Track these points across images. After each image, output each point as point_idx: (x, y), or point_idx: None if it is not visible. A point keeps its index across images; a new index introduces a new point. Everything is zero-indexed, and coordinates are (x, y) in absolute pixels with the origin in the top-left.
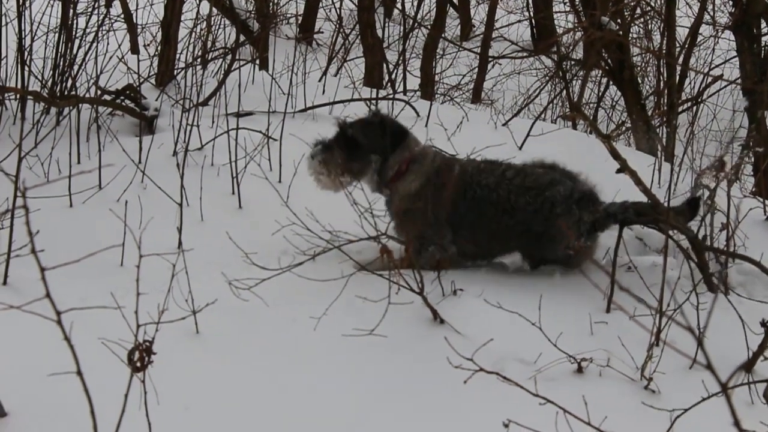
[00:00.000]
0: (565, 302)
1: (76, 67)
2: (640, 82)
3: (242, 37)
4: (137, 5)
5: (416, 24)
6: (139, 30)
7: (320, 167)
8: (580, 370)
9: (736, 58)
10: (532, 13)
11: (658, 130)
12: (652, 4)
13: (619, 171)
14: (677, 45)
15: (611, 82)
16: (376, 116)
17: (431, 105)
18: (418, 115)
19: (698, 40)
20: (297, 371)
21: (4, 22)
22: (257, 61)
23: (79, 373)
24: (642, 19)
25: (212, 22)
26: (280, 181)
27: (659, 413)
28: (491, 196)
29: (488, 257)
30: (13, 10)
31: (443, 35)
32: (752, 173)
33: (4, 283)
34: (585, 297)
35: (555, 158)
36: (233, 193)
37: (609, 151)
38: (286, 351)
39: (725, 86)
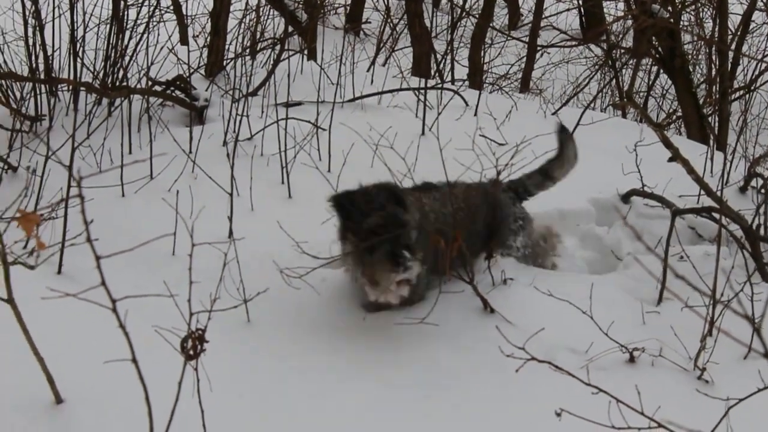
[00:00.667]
0: (617, 292)
1: (127, 59)
2: (691, 70)
3: (290, 28)
4: None
5: (464, 13)
6: (188, 21)
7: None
8: (632, 359)
9: None
10: (581, 2)
11: (710, 119)
12: None
13: (671, 159)
14: (729, 32)
15: (662, 71)
16: (380, 186)
17: (480, 94)
18: (467, 105)
19: (751, 27)
20: (348, 360)
21: (56, 15)
22: (306, 52)
23: (134, 360)
24: (693, 6)
25: (261, 13)
26: (329, 171)
27: (713, 403)
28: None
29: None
30: (65, 3)
31: (491, 24)
32: None
33: (59, 272)
34: (637, 286)
35: (606, 147)
36: (283, 182)
37: (661, 140)
38: (337, 340)
39: None
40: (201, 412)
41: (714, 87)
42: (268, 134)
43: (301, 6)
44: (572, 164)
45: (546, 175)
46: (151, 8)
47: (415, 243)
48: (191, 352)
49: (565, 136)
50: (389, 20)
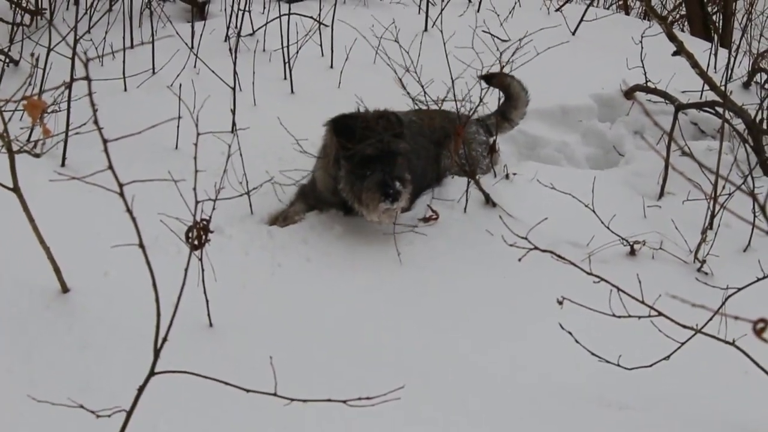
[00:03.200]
0: (618, 186)
1: None
2: None
3: None
4: None
5: None
6: None
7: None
8: (632, 252)
9: None
10: None
11: (714, 16)
12: None
13: (675, 53)
14: None
15: None
16: (385, 115)
17: None
18: (470, 1)
19: None
20: (349, 245)
21: None
22: None
23: (141, 245)
24: None
25: None
26: (331, 67)
27: (713, 294)
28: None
29: None
30: None
31: None
32: None
33: (63, 164)
34: (638, 181)
35: (609, 44)
36: (285, 78)
37: (666, 34)
38: (338, 230)
39: None
40: (206, 302)
41: None
42: (270, 30)
43: None
44: (525, 101)
45: (504, 117)
46: None
47: (407, 173)
48: (196, 242)
49: (499, 77)
50: None
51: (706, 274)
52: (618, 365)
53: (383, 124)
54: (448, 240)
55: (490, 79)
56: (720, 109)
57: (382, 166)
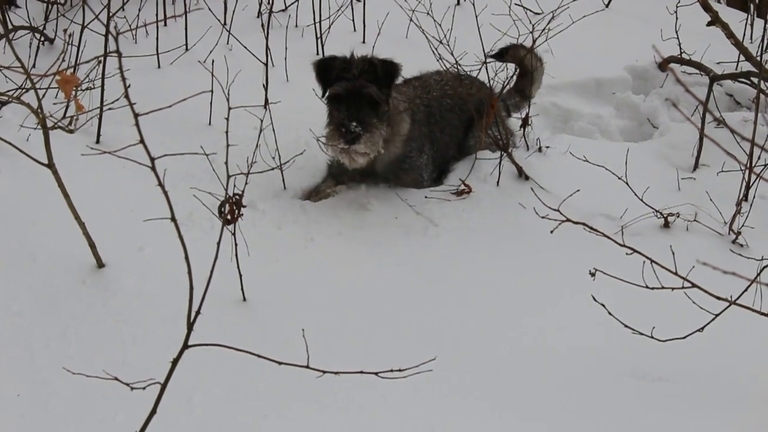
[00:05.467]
0: (652, 159)
1: None
2: None
3: None
4: None
5: None
6: None
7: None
8: (666, 225)
9: None
10: None
11: None
12: None
13: (710, 24)
14: None
15: None
16: (368, 59)
17: None
18: None
19: None
20: (381, 219)
21: None
22: None
23: (173, 219)
24: None
25: None
26: (363, 42)
27: (748, 265)
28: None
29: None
30: None
31: None
32: None
33: (98, 141)
34: (672, 153)
35: (643, 15)
36: (318, 53)
37: (700, 4)
38: (370, 205)
39: None
40: (239, 276)
41: None
42: (302, 5)
43: None
44: (541, 72)
45: (522, 95)
46: None
47: (378, 116)
48: (229, 217)
49: (517, 53)
50: None
51: (741, 245)
52: (652, 337)
53: (361, 67)
54: (480, 213)
55: (502, 55)
56: (756, 80)
57: (348, 106)
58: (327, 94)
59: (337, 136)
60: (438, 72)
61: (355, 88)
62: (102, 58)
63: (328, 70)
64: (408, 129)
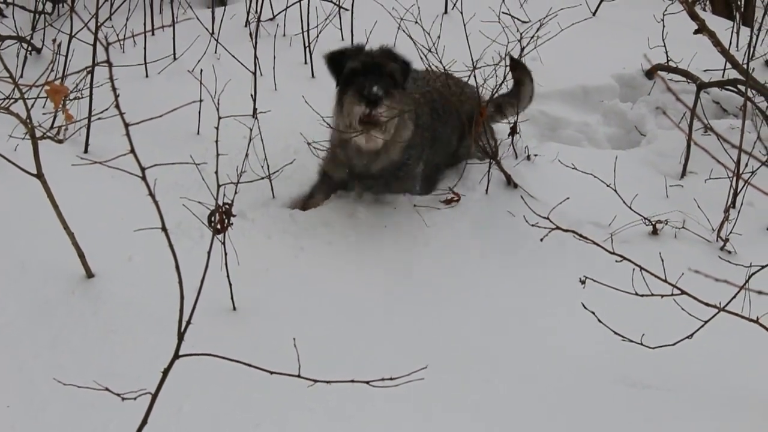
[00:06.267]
0: (640, 166)
1: None
2: None
3: None
4: None
5: None
6: None
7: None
8: (655, 232)
9: None
10: None
11: None
12: None
13: (696, 32)
14: None
15: None
16: (388, 48)
17: None
18: None
19: None
20: (371, 228)
21: None
22: None
23: (164, 228)
24: None
25: None
26: None
27: (736, 272)
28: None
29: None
30: None
31: None
32: None
33: (86, 150)
34: (660, 161)
35: (630, 23)
36: (306, 62)
37: (687, 11)
38: (360, 213)
39: None
40: (229, 285)
41: None
42: (290, 14)
43: None
44: (525, 106)
45: (498, 109)
46: None
47: (392, 90)
48: (218, 226)
49: (521, 72)
50: None
51: (729, 252)
52: (641, 344)
53: (379, 51)
54: (470, 221)
55: (515, 65)
56: (742, 88)
57: (364, 77)
58: (343, 73)
59: (357, 99)
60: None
61: (374, 62)
62: (91, 69)
63: (343, 56)
64: (409, 136)
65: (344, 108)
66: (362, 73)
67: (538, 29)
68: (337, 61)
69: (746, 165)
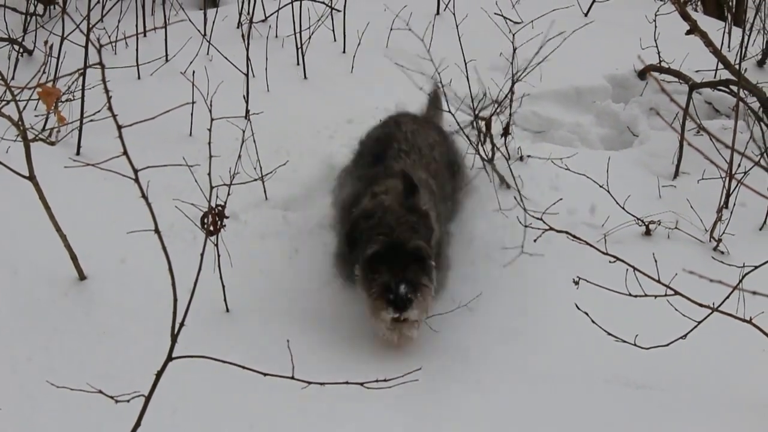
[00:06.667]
0: (633, 167)
1: None
2: None
3: None
4: None
5: None
6: None
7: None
8: (648, 232)
9: None
10: None
11: None
12: None
13: (688, 33)
14: None
15: None
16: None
17: None
18: None
19: None
20: None
21: None
22: None
23: (157, 230)
24: None
25: None
26: (344, 52)
27: (729, 272)
28: None
29: None
30: None
31: None
32: None
33: (78, 153)
34: (653, 161)
35: (622, 24)
36: (298, 63)
37: (679, 13)
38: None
39: None
40: (222, 287)
41: None
42: (282, 16)
43: None
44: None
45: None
46: None
47: (427, 272)
48: (211, 228)
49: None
50: None
51: (722, 253)
52: (635, 345)
53: (394, 217)
54: (462, 221)
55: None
56: (734, 88)
57: (388, 266)
58: (362, 258)
59: (385, 304)
60: (413, 119)
61: (398, 243)
62: (83, 71)
63: (357, 230)
64: (449, 260)
65: (371, 311)
66: (384, 259)
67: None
68: (352, 233)
69: (739, 165)
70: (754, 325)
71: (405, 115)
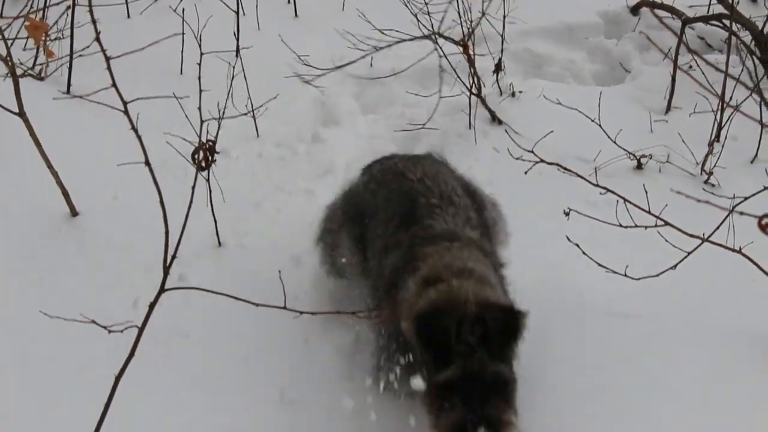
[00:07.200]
0: (625, 102)
1: None
2: None
3: None
4: None
5: None
6: None
7: None
8: (639, 166)
9: None
10: None
11: None
12: None
13: None
14: None
15: None
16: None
17: None
18: None
19: None
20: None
21: None
22: None
23: (147, 163)
24: None
25: None
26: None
27: (720, 204)
28: None
29: None
30: None
31: None
32: None
33: (68, 90)
34: (645, 96)
35: None
36: (289, 2)
37: None
38: (344, 149)
39: None
40: (214, 221)
41: None
42: None
43: None
44: None
45: None
46: None
47: (509, 401)
48: (203, 163)
49: None
50: None
51: (713, 185)
52: (625, 275)
53: (477, 331)
54: (454, 158)
55: None
56: (727, 22)
57: (464, 397)
58: (435, 379)
59: None
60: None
61: (477, 369)
62: (71, 6)
63: (443, 337)
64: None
65: None
66: (459, 386)
67: None
68: (432, 336)
69: (731, 98)
70: (744, 255)
71: (399, 158)
